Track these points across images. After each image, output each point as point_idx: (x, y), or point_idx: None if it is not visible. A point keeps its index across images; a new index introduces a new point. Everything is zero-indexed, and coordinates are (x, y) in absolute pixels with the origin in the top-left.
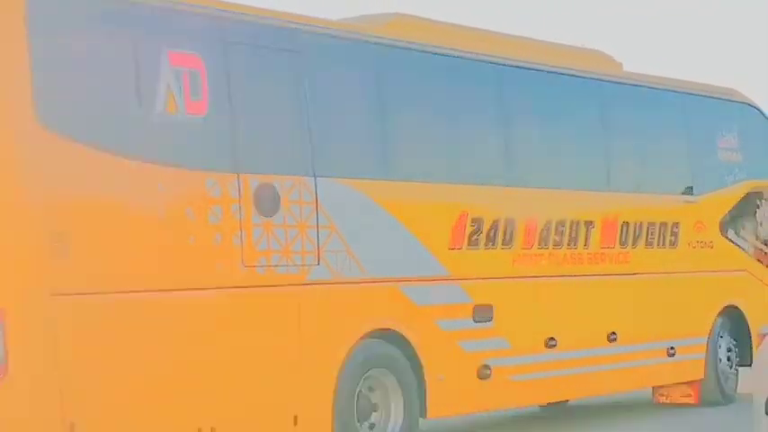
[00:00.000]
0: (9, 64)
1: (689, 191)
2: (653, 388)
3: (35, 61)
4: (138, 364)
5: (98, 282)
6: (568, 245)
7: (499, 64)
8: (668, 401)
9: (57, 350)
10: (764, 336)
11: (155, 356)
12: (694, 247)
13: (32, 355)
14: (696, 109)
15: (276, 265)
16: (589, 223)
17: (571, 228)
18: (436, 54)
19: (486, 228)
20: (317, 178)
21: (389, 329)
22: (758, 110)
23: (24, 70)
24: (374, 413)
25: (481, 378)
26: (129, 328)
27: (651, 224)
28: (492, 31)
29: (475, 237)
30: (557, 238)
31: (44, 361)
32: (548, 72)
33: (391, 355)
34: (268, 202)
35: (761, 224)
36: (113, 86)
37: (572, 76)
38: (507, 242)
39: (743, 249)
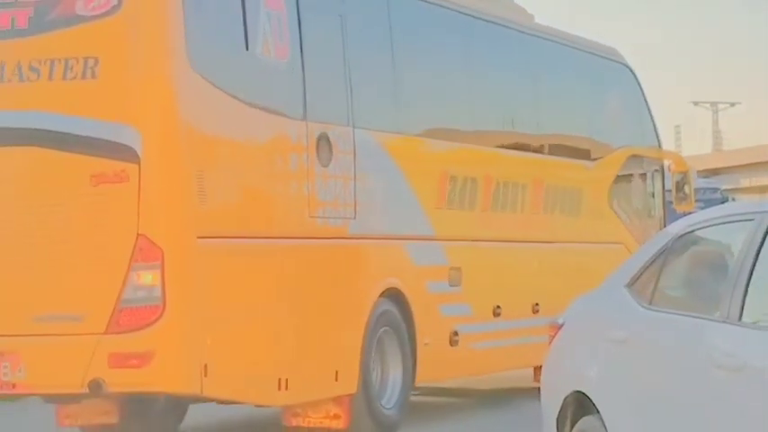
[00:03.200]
0: (167, 14)
1: (587, 155)
2: (534, 368)
3: (187, 10)
4: (247, 315)
5: (228, 226)
6: (512, 208)
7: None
8: None
9: (201, 294)
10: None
11: (252, 309)
12: (592, 216)
13: (184, 298)
14: (590, 68)
15: (329, 217)
16: (524, 187)
17: (514, 191)
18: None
19: (458, 187)
20: (355, 129)
21: (396, 289)
22: (633, 74)
23: (179, 18)
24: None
25: (452, 345)
26: (243, 276)
27: (563, 190)
28: None
29: (451, 196)
30: (504, 201)
31: (192, 304)
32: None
33: (395, 315)
34: (325, 152)
35: (634, 195)
36: (234, 34)
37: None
38: (472, 204)
39: (621, 220)
